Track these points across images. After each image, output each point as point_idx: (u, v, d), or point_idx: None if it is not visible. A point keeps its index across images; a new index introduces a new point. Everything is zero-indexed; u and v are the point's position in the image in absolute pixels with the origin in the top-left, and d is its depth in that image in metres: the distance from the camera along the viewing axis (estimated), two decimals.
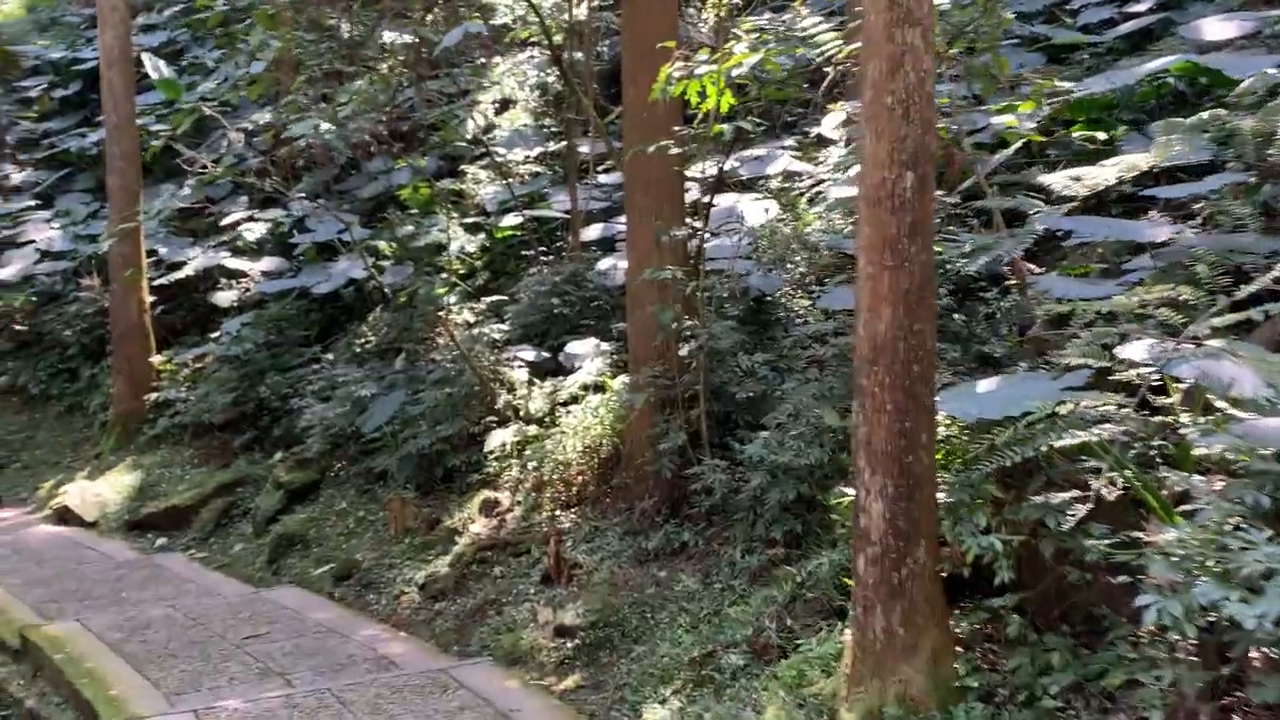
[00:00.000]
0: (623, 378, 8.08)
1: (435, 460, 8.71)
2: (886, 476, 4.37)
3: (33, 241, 13.70)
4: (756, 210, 8.67)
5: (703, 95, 5.80)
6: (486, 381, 8.79)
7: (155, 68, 14.49)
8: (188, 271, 12.76)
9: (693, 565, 6.40)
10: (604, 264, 9.50)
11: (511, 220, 11.26)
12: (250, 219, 13.31)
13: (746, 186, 9.95)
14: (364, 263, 10.97)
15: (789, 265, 8.30)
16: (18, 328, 13.38)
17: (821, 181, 9.47)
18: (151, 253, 13.02)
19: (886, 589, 4.39)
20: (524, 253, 11.50)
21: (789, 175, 10.06)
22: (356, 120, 14.25)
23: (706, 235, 7.35)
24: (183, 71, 16.32)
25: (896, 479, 4.36)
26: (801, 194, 9.54)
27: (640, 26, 7.13)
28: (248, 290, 12.55)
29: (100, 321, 12.70)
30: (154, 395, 11.83)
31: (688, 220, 7.36)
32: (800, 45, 5.74)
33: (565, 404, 8.43)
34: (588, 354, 8.65)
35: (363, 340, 10.97)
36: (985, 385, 4.86)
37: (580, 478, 7.82)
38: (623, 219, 10.62)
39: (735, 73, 5.70)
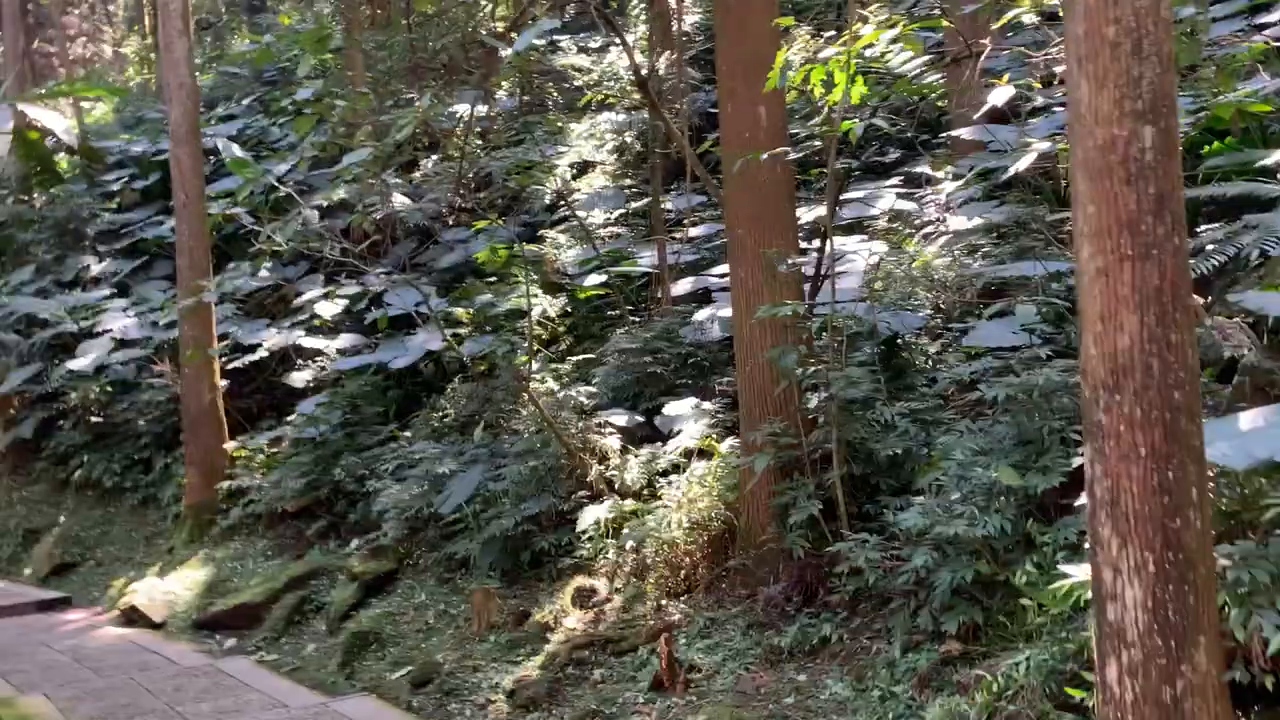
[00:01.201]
0: (731, 440, 6.81)
1: (521, 543, 7.50)
2: (1146, 549, 3.01)
3: (109, 331, 12.99)
4: (862, 253, 7.43)
5: (828, 85, 4.61)
6: (575, 452, 7.58)
7: (227, 148, 13.85)
8: (262, 353, 11.88)
9: (839, 666, 5.03)
10: (701, 315, 8.31)
11: (595, 280, 10.14)
12: (325, 296, 12.45)
13: (850, 230, 8.75)
14: (441, 334, 9.93)
15: (913, 305, 7.02)
16: (93, 419, 12.61)
17: (932, 221, 8.26)
18: (225, 336, 12.20)
19: (1155, 710, 3.01)
20: (610, 313, 10.38)
21: (896, 215, 8.84)
22: (434, 190, 13.51)
23: (824, 269, 6.12)
24: (259, 157, 15.76)
25: (1160, 552, 3.00)
26: (912, 233, 8.30)
27: (736, 28, 5.98)
28: (323, 369, 11.60)
29: (173, 409, 11.85)
30: (227, 484, 10.86)
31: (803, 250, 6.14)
32: (941, 18, 4.54)
33: (665, 473, 7.19)
34: (687, 415, 7.41)
35: (441, 414, 9.89)
36: (1251, 419, 3.49)
37: (689, 559, 6.52)
38: (715, 271, 9.48)
39: (868, 52, 4.51)
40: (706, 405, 7.39)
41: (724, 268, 9.34)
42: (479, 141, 13.87)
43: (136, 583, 10.27)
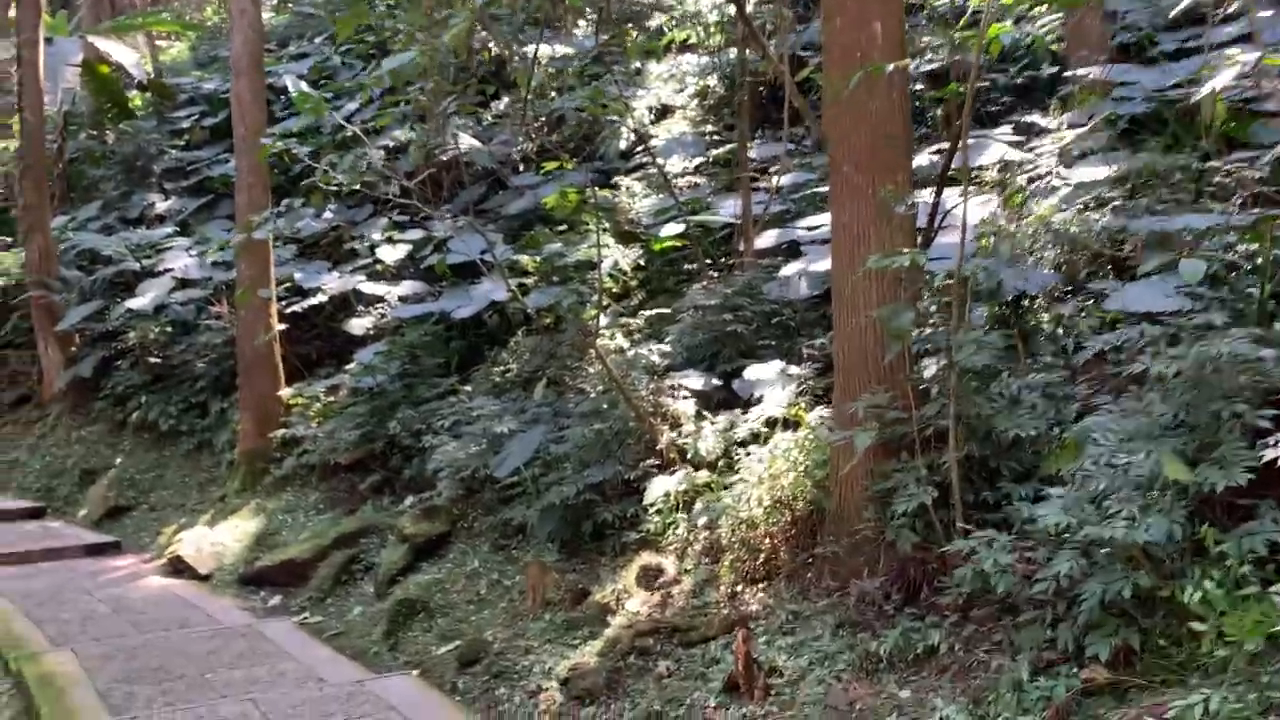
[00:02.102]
0: (822, 410, 5.97)
1: (583, 513, 6.76)
2: None
3: (170, 270, 12.50)
4: (979, 202, 6.49)
5: None
6: (644, 415, 6.80)
7: (295, 84, 13.23)
8: (321, 297, 11.28)
9: (950, 683, 4.21)
10: (789, 269, 7.45)
11: (671, 231, 9.30)
12: (388, 240, 11.81)
13: (954, 181, 7.79)
14: (506, 284, 9.19)
15: (1034, 263, 6.09)
16: (152, 360, 12.14)
17: (1047, 173, 7.27)
18: (286, 279, 11.62)
19: None
20: (686, 267, 9.56)
21: (1007, 165, 7.85)
22: (504, 132, 12.74)
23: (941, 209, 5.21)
24: (329, 98, 15.12)
25: None
26: (1023, 187, 7.33)
27: None
28: (384, 316, 10.96)
29: (230, 352, 11.31)
30: (281, 432, 10.31)
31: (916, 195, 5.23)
32: None
33: (744, 443, 6.38)
34: (771, 380, 6.58)
35: (503, 369, 9.18)
36: None
37: (769, 542, 5.72)
38: (804, 223, 8.58)
39: None
40: (793, 370, 6.55)
41: (814, 220, 8.45)
42: (553, 83, 13.09)
43: (185, 531, 9.78)
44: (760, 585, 5.60)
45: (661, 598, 5.88)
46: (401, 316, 10.59)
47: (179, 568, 9.23)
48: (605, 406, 7.19)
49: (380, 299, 11.10)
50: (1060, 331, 5.47)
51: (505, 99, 13.48)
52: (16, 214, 14.12)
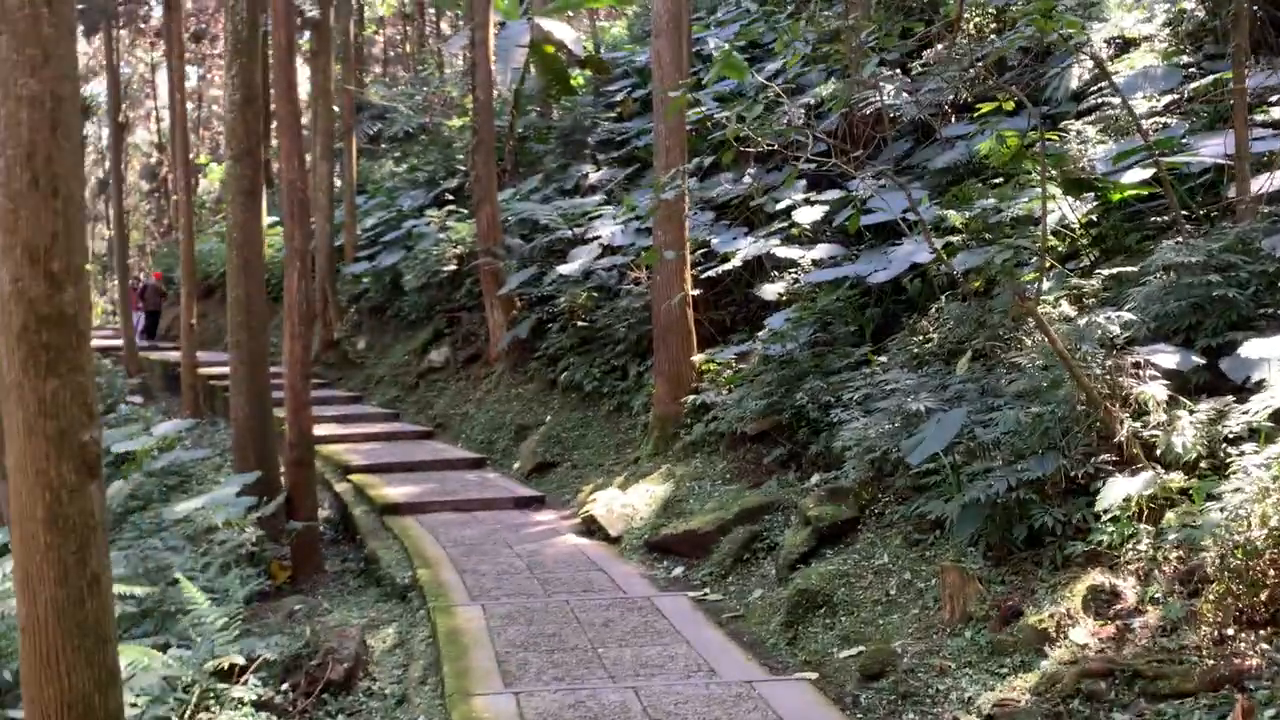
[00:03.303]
0: None
1: (1015, 513, 5.59)
2: None
3: (598, 237, 12.75)
4: None
5: None
6: (1098, 399, 5.47)
7: (718, 47, 12.87)
8: (735, 262, 10.82)
9: None
10: None
11: (1137, 175, 7.65)
12: (806, 202, 11.08)
13: None
14: (931, 244, 8.08)
15: None
16: (579, 324, 12.46)
17: None
18: (704, 244, 11.32)
19: None
20: (1153, 220, 7.85)
21: None
22: (934, 79, 11.50)
23: None
24: (752, 61, 14.68)
25: None
26: None
27: None
28: (796, 281, 10.27)
29: (647, 317, 11.25)
30: (692, 397, 10.02)
31: None
32: None
33: (1237, 441, 4.88)
34: (1277, 359, 4.98)
35: (922, 338, 8.11)
36: None
37: (1275, 574, 4.25)
38: None
39: None
40: None
41: None
42: (990, 23, 11.61)
43: (599, 492, 9.81)
44: (1262, 631, 4.17)
45: (1117, 630, 4.62)
46: (814, 281, 9.84)
47: (591, 528, 9.24)
48: (1046, 386, 5.93)
49: (794, 263, 10.42)
50: None
51: (938, 47, 12.18)
52: (469, 187, 15.18)
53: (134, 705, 5.54)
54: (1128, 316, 5.76)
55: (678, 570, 8.05)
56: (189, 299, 15.43)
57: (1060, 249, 8.19)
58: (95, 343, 22.14)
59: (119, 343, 20.24)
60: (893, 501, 6.89)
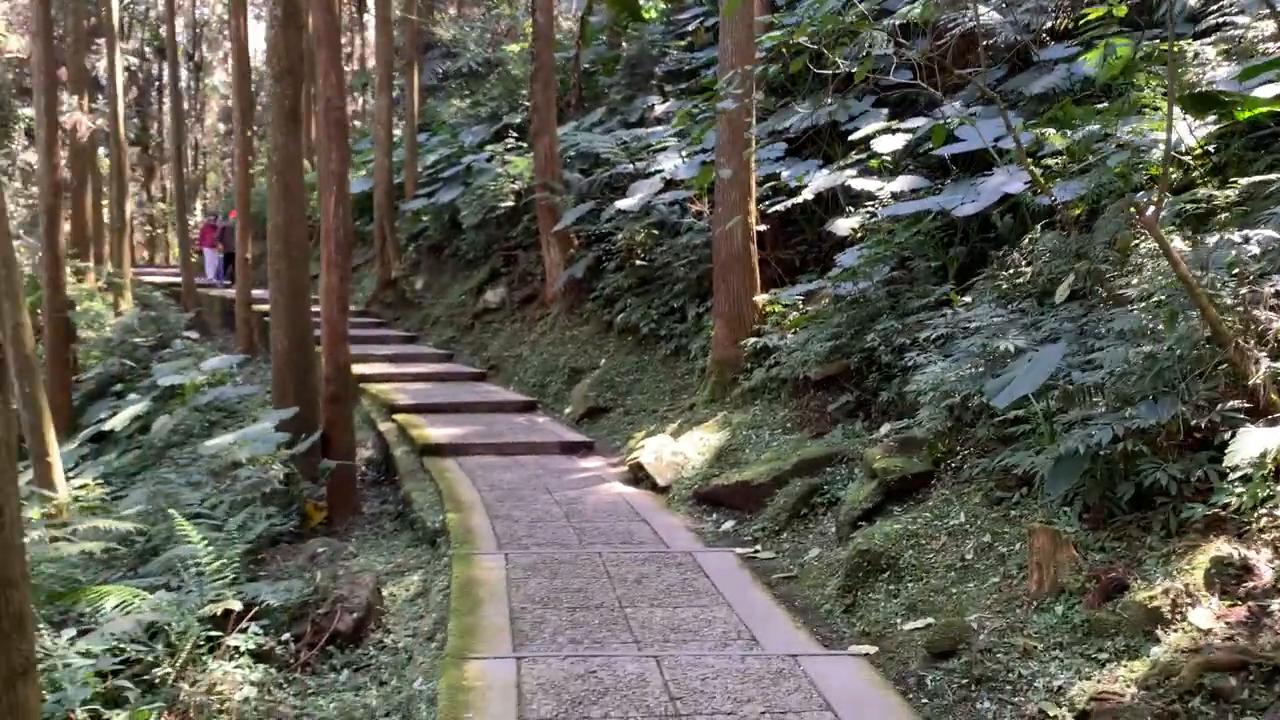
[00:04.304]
0: None
1: (1120, 469, 4.69)
2: None
3: (660, 171, 11.89)
4: None
5: None
6: (1227, 335, 4.52)
7: None
8: (807, 195, 9.89)
9: None
10: None
11: (1273, 90, 6.57)
12: (888, 131, 10.07)
13: None
14: (1028, 169, 7.07)
15: None
16: (638, 262, 11.65)
17: None
18: (774, 176, 10.42)
19: None
20: None
21: None
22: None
23: None
24: None
25: None
26: None
27: None
28: (873, 216, 9.32)
29: (708, 254, 10.40)
30: (752, 340, 9.19)
31: None
32: None
33: None
34: None
35: (1013, 272, 7.14)
36: None
37: None
38: None
39: None
40: None
41: None
42: None
43: (649, 438, 9.07)
44: None
45: (1250, 614, 3.73)
46: (895, 215, 8.89)
47: (638, 475, 8.53)
48: (1160, 321, 4.98)
49: (872, 196, 9.46)
50: None
51: None
52: (527, 117, 14.41)
53: (116, 652, 5.03)
54: (1270, 234, 4.75)
55: (728, 524, 7.30)
56: (243, 234, 15.03)
57: (1175, 178, 7.13)
58: (157, 279, 22.10)
59: (180, 279, 20.04)
60: (973, 454, 6.01)
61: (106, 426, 12.30)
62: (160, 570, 6.28)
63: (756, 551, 6.63)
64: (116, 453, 11.99)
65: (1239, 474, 4.19)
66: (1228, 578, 3.93)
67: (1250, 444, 4.11)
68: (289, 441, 8.29)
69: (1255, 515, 4.15)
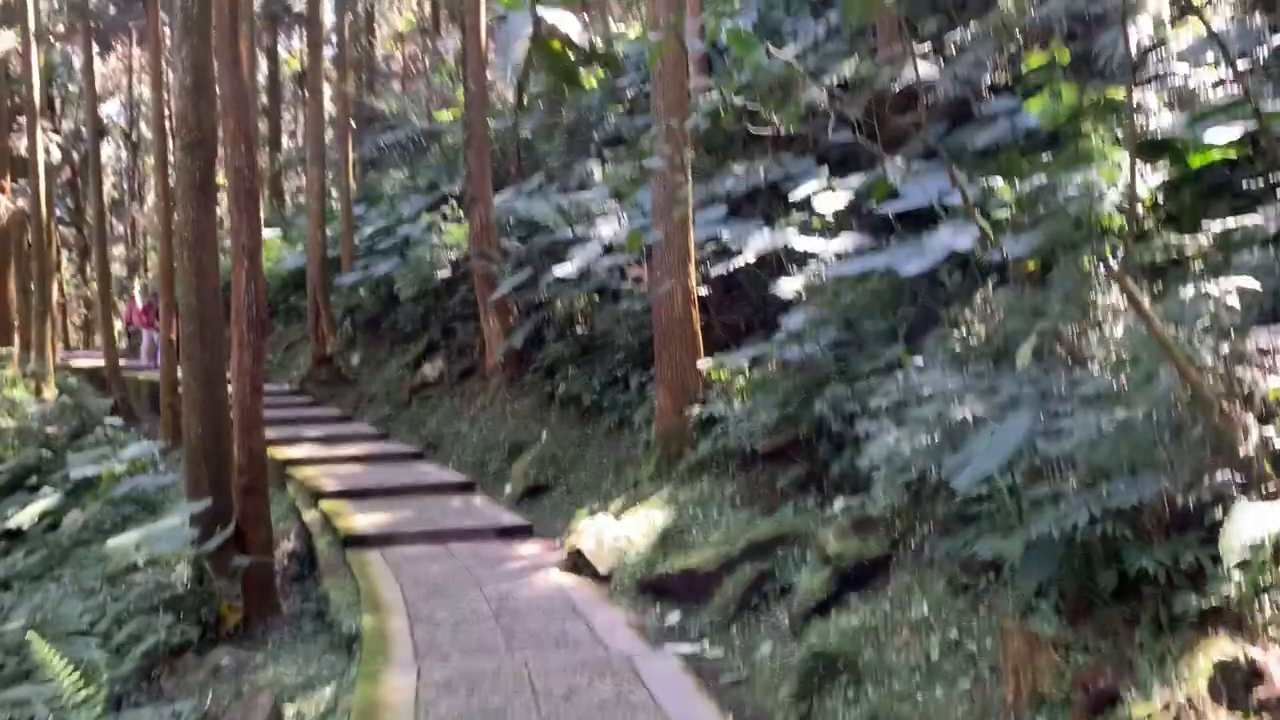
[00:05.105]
0: None
1: (1100, 553, 4.12)
2: None
3: (599, 236, 11.38)
4: None
5: None
6: (1211, 397, 4.00)
7: (724, 26, 11.53)
8: (748, 257, 9.40)
9: None
10: None
11: (1224, 135, 6.21)
12: (829, 189, 9.65)
13: None
14: (977, 223, 6.62)
15: None
16: (578, 330, 11.09)
17: None
18: (714, 239, 9.94)
19: None
20: (1243, 187, 6.38)
21: None
22: (973, 54, 10.10)
23: None
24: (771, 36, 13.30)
25: None
26: None
27: None
28: (817, 276, 8.83)
29: (649, 320, 9.86)
30: (697, 410, 8.61)
31: None
32: None
33: None
34: None
35: (965, 331, 6.65)
36: None
37: None
38: None
39: None
40: None
41: None
42: None
43: (590, 520, 8.39)
44: None
45: None
46: (838, 275, 8.41)
47: (577, 563, 7.84)
48: (1134, 384, 4.46)
49: (815, 256, 8.99)
50: None
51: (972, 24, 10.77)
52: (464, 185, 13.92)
53: None
54: (1249, 283, 4.26)
55: (673, 616, 6.62)
56: (167, 313, 14.26)
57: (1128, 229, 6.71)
58: (86, 363, 21.13)
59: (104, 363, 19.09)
60: (933, 533, 5.43)
61: (12, 524, 11.37)
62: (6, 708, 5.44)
63: (704, 649, 5.96)
64: (23, 552, 11.07)
65: (1236, 561, 3.63)
66: (1234, 684, 3.35)
67: (1246, 525, 3.57)
68: (200, 537, 7.55)
69: (1256, 606, 3.58)
